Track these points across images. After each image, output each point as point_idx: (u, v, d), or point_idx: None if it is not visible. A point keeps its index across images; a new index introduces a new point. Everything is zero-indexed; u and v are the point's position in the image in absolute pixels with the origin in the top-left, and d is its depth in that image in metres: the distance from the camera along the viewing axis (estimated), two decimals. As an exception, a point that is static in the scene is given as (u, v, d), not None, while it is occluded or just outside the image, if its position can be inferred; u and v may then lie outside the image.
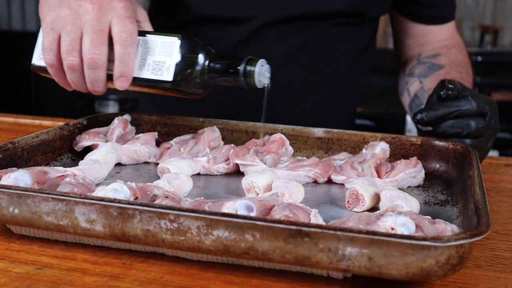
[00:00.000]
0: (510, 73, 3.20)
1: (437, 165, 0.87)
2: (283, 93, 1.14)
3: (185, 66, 0.77)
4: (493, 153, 2.73)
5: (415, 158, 0.83)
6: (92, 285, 0.56)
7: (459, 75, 1.09)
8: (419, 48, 1.23)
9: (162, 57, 0.77)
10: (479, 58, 3.09)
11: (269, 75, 0.81)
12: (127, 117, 0.96)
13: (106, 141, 0.90)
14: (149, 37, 0.79)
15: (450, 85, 0.86)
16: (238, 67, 0.78)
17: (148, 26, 0.83)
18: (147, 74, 0.78)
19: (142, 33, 0.79)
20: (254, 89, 0.81)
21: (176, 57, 0.77)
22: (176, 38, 0.77)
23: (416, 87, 1.13)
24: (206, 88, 0.81)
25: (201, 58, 0.78)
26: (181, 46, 0.77)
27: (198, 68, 0.78)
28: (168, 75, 0.77)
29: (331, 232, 0.53)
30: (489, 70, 3.11)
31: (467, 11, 4.04)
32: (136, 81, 0.78)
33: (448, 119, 0.86)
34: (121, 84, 0.77)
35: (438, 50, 1.19)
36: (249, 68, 0.78)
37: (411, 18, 1.22)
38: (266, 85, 0.81)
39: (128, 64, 0.76)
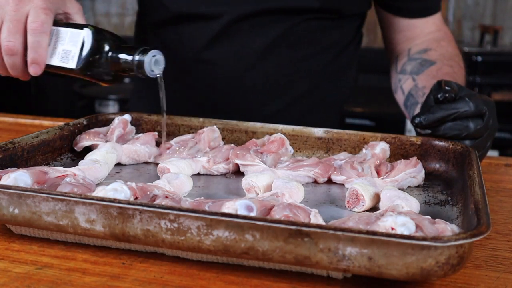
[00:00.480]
0: (510, 73, 3.19)
1: (437, 165, 0.87)
2: (258, 88, 1.15)
3: (88, 55, 0.81)
4: (493, 153, 2.73)
5: (415, 158, 0.83)
6: (92, 285, 0.56)
7: (451, 70, 1.09)
8: (408, 42, 1.22)
9: (69, 46, 0.82)
10: (479, 58, 3.09)
11: (163, 66, 0.84)
12: (127, 117, 0.96)
13: (106, 141, 0.90)
14: (62, 27, 0.84)
15: (447, 87, 0.86)
16: (131, 58, 0.81)
17: (79, 18, 0.87)
18: (56, 61, 0.83)
19: (58, 24, 0.84)
20: (147, 78, 0.84)
21: (80, 46, 0.81)
22: (84, 29, 0.82)
23: (410, 85, 1.12)
24: (113, 76, 0.85)
25: (103, 48, 0.82)
26: (86, 37, 0.82)
27: (101, 57, 0.82)
28: (72, 63, 0.82)
29: (331, 232, 0.53)
30: (489, 70, 3.11)
31: (467, 11, 4.05)
32: (48, 67, 0.83)
33: (447, 122, 0.86)
34: (33, 70, 0.82)
35: (428, 44, 1.18)
36: (139, 58, 0.81)
37: (395, 12, 1.21)
38: (158, 75, 0.84)
39: (38, 52, 0.81)
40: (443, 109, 0.85)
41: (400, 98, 1.15)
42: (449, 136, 0.86)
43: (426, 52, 1.16)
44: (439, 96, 0.86)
